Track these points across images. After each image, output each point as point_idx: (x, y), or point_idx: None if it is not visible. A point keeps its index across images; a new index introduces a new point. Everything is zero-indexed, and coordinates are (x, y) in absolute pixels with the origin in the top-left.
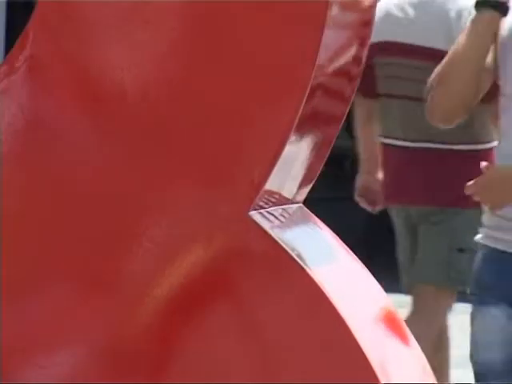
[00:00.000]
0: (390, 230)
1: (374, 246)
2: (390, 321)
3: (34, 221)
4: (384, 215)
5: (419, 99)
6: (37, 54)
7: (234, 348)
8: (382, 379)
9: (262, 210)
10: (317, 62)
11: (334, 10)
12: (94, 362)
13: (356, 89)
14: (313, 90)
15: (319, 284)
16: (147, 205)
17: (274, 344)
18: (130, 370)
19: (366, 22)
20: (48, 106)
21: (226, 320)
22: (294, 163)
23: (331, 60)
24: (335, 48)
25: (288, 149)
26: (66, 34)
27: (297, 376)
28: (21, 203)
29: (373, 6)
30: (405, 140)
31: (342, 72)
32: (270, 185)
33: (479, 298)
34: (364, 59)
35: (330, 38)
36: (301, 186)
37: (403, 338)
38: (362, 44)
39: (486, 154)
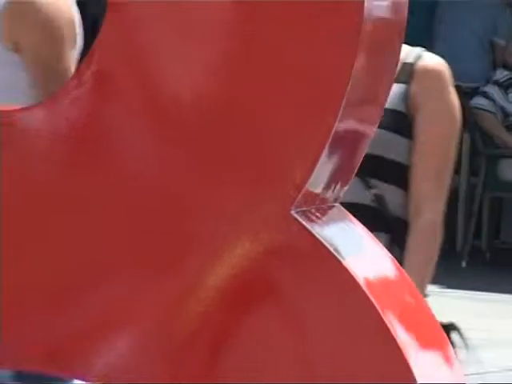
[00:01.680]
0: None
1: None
2: (416, 307)
3: (99, 216)
4: None
5: None
6: (102, 69)
7: (277, 334)
8: (410, 363)
9: (303, 209)
10: (353, 69)
11: (368, 24)
12: (152, 346)
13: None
14: (350, 97)
15: (354, 275)
16: (200, 203)
17: (313, 331)
18: (184, 354)
19: (398, 34)
20: (113, 115)
21: (271, 309)
22: (331, 166)
23: (367, 67)
24: (370, 56)
25: (326, 153)
26: (129, 49)
27: (331, 361)
28: (88, 200)
29: (403, 21)
30: None
31: (376, 79)
32: (310, 186)
33: None
34: (396, 68)
35: (365, 46)
36: (338, 186)
37: (426, 320)
38: (394, 54)
39: None
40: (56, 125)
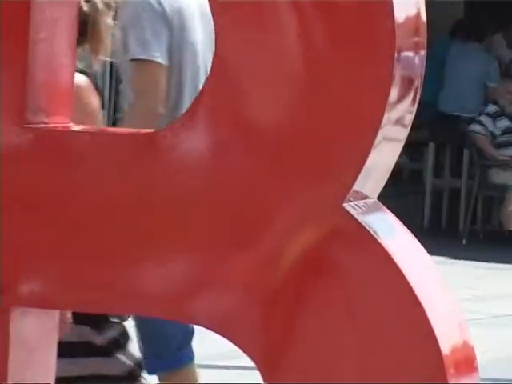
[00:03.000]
0: None
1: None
2: (434, 276)
3: (210, 208)
4: None
5: None
6: (210, 104)
7: (331, 293)
8: (431, 318)
9: (350, 203)
10: (389, 97)
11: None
12: (248, 300)
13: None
14: (385, 117)
15: (389, 252)
16: (279, 199)
17: (356, 292)
18: (272, 306)
19: (421, 65)
20: (217, 138)
21: (327, 275)
22: (371, 171)
23: (400, 85)
24: (402, 78)
25: (368, 162)
26: (230, 90)
27: (367, 314)
28: (202, 197)
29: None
30: None
31: (406, 98)
32: (356, 186)
33: None
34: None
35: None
36: (376, 186)
37: (441, 287)
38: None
39: None
40: (177, 147)
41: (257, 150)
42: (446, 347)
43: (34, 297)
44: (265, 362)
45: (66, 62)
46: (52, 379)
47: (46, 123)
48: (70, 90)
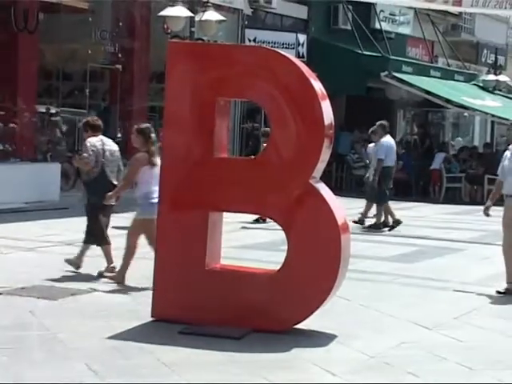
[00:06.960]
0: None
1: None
2: (339, 206)
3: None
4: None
5: None
6: (273, 147)
7: (307, 209)
8: (336, 218)
9: (311, 180)
10: (324, 141)
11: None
12: (282, 207)
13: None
14: (322, 153)
15: (325, 198)
16: (290, 178)
17: (314, 213)
18: (288, 210)
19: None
20: (275, 158)
21: (304, 205)
22: (319, 168)
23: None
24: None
25: (317, 167)
26: (277, 143)
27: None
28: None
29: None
30: None
31: (330, 135)
32: (314, 173)
33: None
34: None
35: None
36: (318, 175)
37: (341, 209)
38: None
39: None
40: (263, 161)
41: (285, 163)
42: (340, 227)
43: (216, 205)
44: (285, 224)
45: (225, 133)
46: (220, 251)
47: (219, 156)
48: (226, 144)
